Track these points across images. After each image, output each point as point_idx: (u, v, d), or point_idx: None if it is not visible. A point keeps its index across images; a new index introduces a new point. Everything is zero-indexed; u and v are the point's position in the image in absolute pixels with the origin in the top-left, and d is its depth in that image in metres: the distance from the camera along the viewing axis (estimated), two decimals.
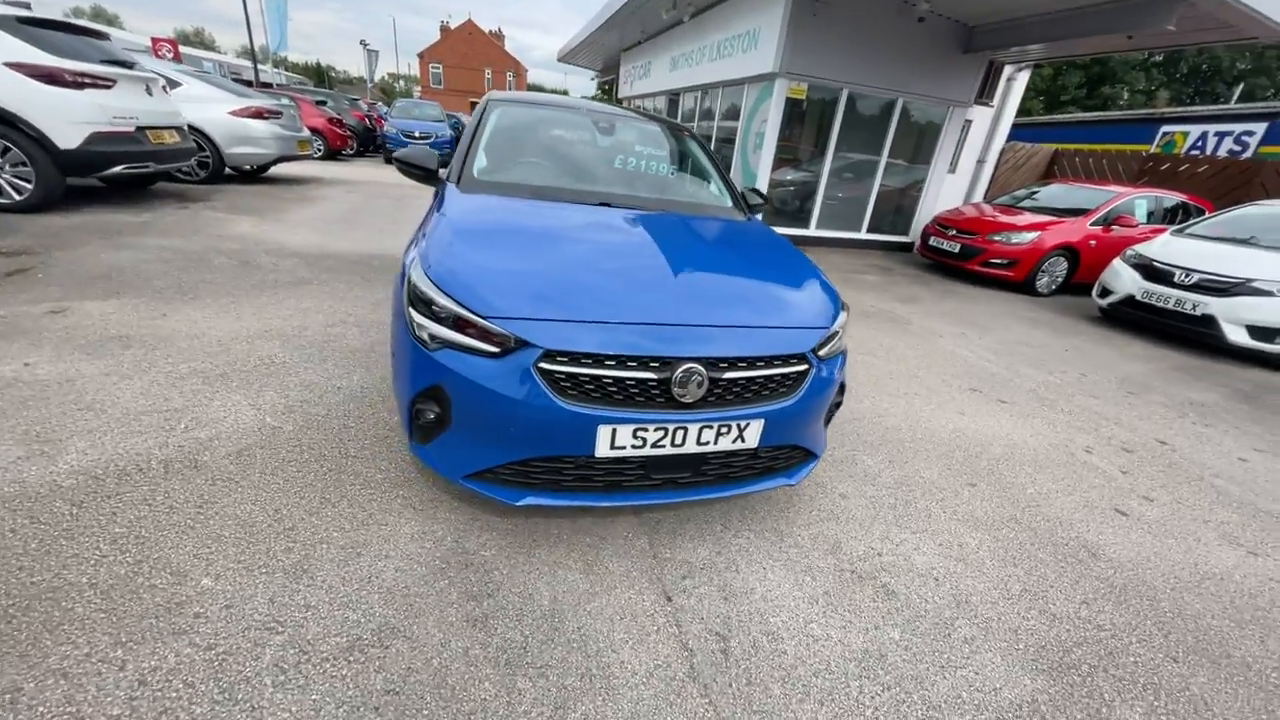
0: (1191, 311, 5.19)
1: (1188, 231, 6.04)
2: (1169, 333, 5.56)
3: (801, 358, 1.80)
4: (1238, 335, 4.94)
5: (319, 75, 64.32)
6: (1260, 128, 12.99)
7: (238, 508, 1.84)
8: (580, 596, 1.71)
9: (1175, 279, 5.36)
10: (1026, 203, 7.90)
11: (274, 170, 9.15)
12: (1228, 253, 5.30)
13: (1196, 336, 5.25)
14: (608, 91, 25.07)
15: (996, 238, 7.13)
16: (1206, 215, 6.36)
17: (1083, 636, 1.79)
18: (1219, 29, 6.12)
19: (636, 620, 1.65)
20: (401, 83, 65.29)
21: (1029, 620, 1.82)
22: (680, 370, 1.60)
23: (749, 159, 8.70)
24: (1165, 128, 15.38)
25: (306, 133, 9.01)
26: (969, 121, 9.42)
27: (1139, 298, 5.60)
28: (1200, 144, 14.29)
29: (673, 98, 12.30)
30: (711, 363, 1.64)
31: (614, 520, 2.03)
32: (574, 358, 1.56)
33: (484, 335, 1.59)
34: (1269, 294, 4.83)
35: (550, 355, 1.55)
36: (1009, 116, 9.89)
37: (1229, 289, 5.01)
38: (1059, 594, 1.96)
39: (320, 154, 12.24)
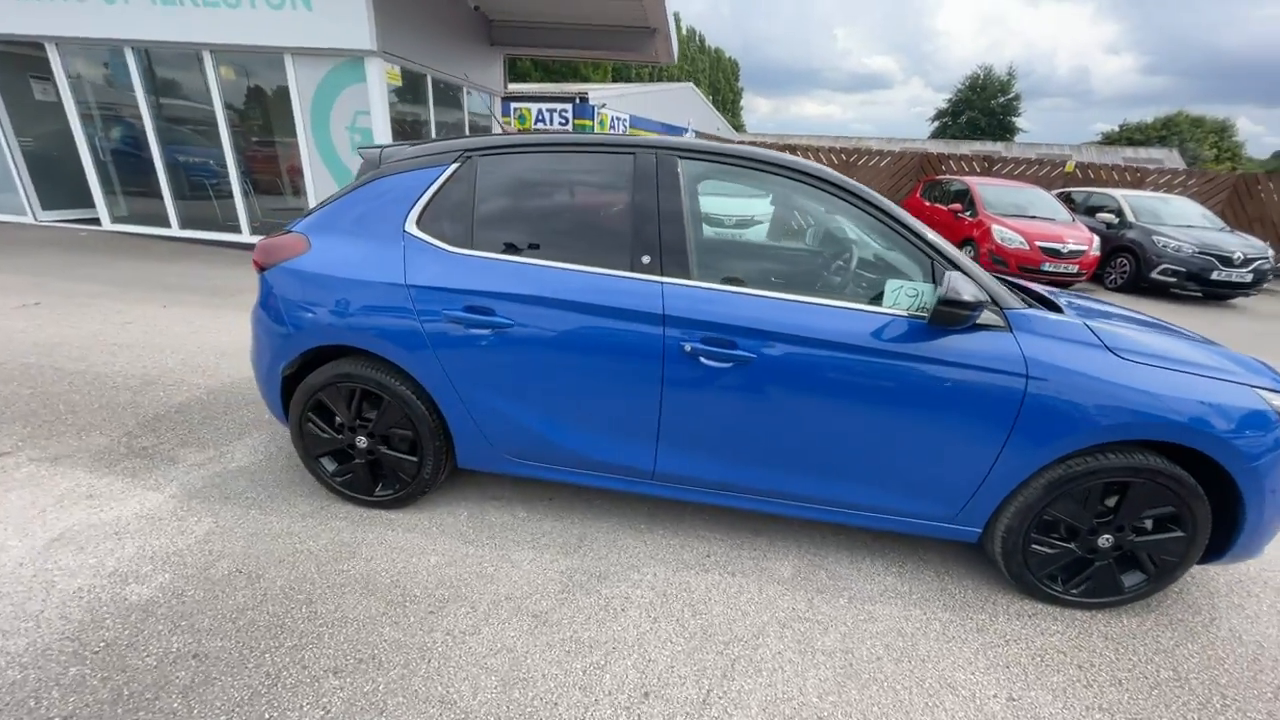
0: None
1: None
2: None
3: None
4: None
5: None
6: (570, 107, 19.59)
7: None
8: None
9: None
10: None
11: None
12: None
13: None
14: None
15: None
16: None
17: None
18: (654, 58, 9.29)
19: None
20: None
21: None
22: None
23: (346, 165, 6.48)
24: (514, 104, 20.44)
25: None
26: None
27: None
28: (541, 118, 20.13)
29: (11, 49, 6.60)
30: None
31: None
32: None
33: None
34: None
35: None
36: None
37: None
38: None
39: None
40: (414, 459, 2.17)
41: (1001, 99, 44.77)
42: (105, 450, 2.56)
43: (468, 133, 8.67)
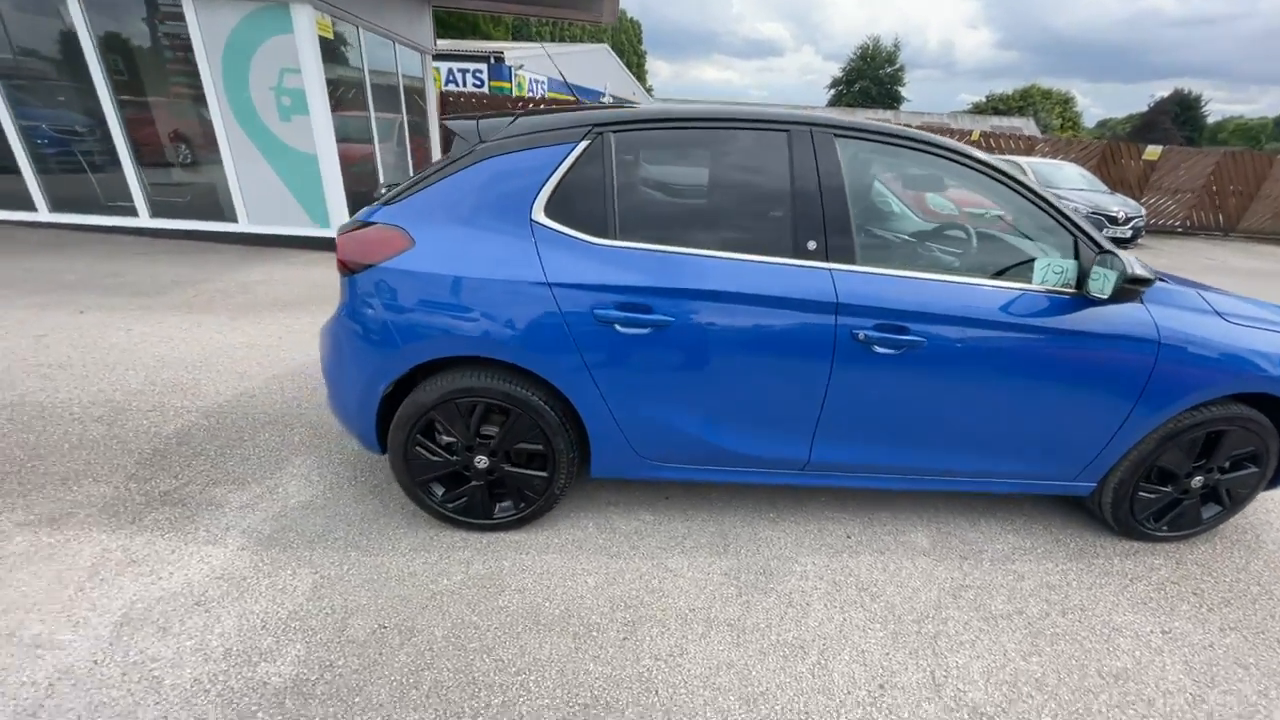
0: None
1: None
2: None
3: None
4: None
5: None
6: (485, 68, 18.11)
7: None
8: None
9: None
10: None
11: None
12: None
13: None
14: None
15: None
16: None
17: None
18: (598, 17, 8.77)
19: None
20: None
21: None
22: None
23: (274, 133, 5.56)
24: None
25: None
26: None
27: None
28: (452, 79, 18.44)
29: None
30: None
31: None
32: None
33: None
34: None
35: None
36: None
37: None
38: None
39: None
40: (544, 474, 1.96)
41: (889, 69, 47.83)
42: (115, 501, 2.06)
43: (402, 96, 7.76)
